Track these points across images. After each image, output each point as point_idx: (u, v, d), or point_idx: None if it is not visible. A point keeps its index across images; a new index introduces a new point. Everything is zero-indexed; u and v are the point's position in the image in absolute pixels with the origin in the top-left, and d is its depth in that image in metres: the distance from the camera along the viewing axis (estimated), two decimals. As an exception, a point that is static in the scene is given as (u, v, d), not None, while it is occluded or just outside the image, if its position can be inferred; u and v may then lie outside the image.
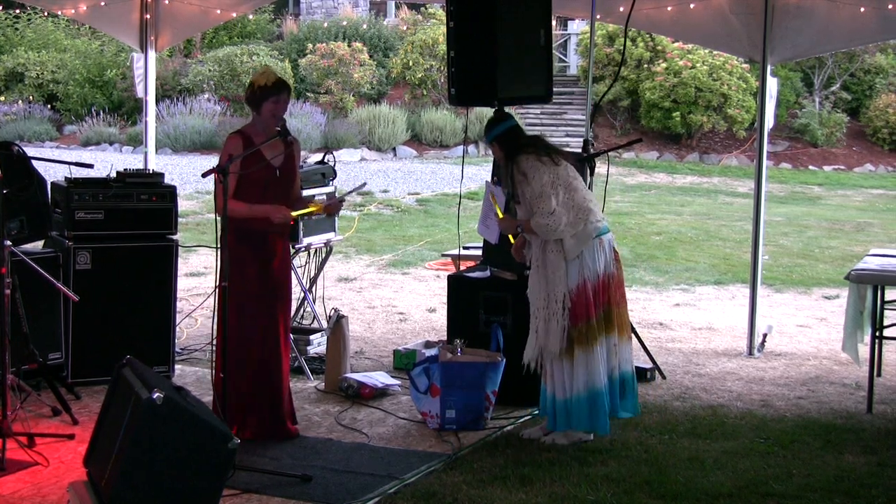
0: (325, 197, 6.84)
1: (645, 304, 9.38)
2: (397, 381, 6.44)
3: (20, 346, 5.66)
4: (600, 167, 7.43)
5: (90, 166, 6.16)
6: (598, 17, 7.97)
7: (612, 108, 22.77)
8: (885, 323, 6.58)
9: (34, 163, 5.96)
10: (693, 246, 12.98)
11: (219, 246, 5.07)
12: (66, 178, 6.46)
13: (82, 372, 6.30)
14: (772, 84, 7.74)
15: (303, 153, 8.61)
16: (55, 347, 6.24)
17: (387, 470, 5.04)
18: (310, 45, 23.46)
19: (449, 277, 6.56)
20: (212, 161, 12.93)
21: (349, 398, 6.23)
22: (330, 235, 7.35)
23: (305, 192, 6.72)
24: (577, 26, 25.32)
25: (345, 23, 24.93)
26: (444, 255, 9.95)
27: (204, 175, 4.98)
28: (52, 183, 6.53)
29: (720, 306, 9.50)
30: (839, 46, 11.95)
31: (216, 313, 5.24)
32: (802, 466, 5.24)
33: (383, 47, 24.61)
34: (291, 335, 6.40)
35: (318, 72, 22.70)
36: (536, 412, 5.87)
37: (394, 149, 21.55)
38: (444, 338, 6.45)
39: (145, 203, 6.48)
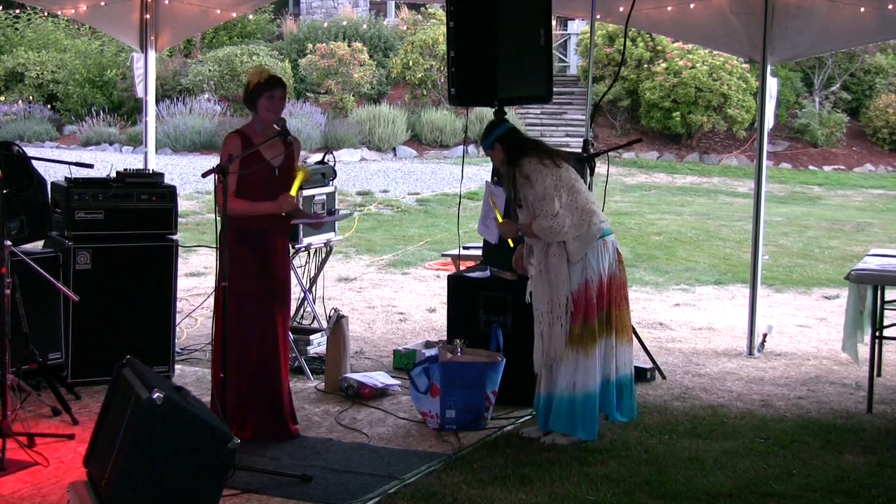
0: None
1: (645, 304, 9.38)
2: (397, 381, 6.44)
3: (20, 346, 5.66)
4: (600, 167, 7.43)
5: (90, 166, 6.16)
6: (598, 17, 7.97)
7: (612, 108, 22.76)
8: (885, 323, 6.58)
9: (34, 163, 5.95)
10: (693, 246, 12.98)
11: (219, 246, 5.08)
12: (66, 178, 6.46)
13: (82, 372, 6.29)
14: (772, 84, 7.74)
15: (303, 153, 8.61)
16: (55, 347, 6.24)
17: (387, 470, 5.04)
18: (310, 45, 23.45)
19: (449, 277, 6.56)
20: (212, 161, 12.92)
21: (349, 398, 6.23)
22: (330, 235, 7.36)
23: (305, 193, 6.73)
24: (577, 26, 25.32)
25: (345, 23, 24.92)
26: (444, 255, 9.94)
27: (204, 175, 4.97)
28: (52, 183, 6.52)
29: (720, 306, 9.50)
30: (839, 46, 11.94)
31: (216, 313, 5.24)
32: (802, 466, 5.24)
33: (383, 47, 24.60)
34: (291, 335, 6.41)
35: (318, 72, 22.70)
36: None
37: (394, 149, 21.55)
38: (444, 338, 6.45)
39: (145, 203, 6.47)
